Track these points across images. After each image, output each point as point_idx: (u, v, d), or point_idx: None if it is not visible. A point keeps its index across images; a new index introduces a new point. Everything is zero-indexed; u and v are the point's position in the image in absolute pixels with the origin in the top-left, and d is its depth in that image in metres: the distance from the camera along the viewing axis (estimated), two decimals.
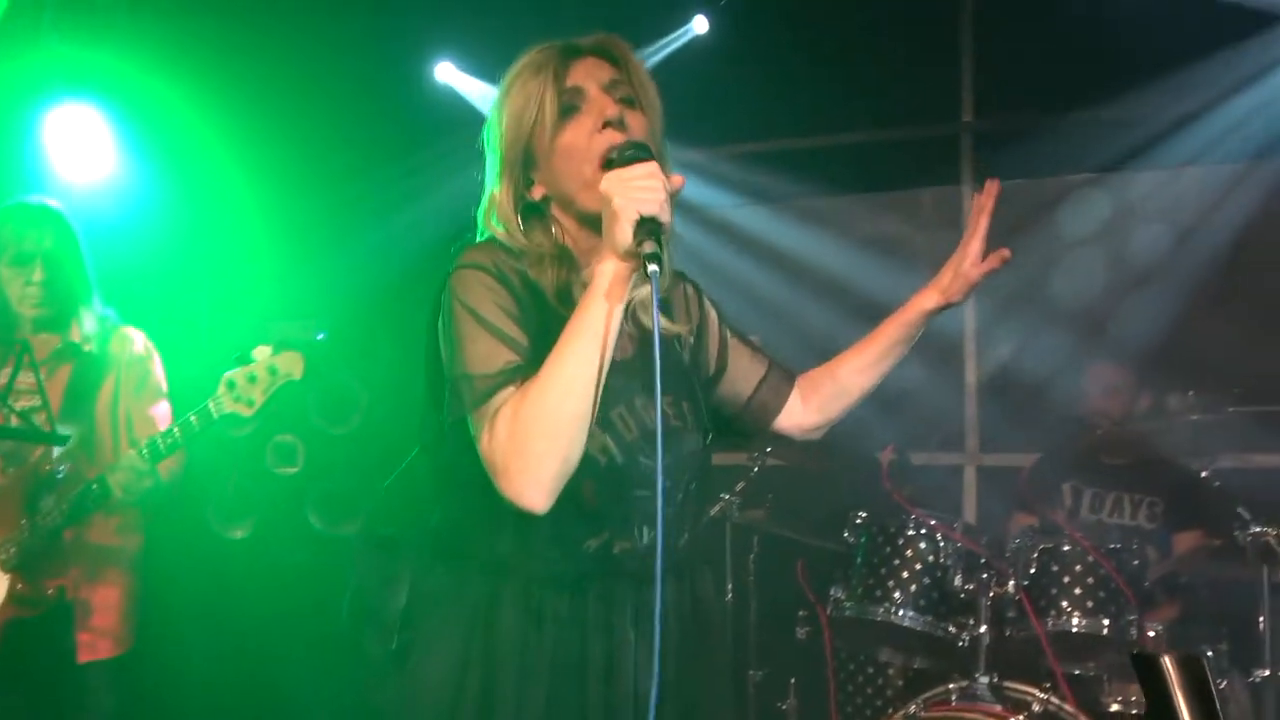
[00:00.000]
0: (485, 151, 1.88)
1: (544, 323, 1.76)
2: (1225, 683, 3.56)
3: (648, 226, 1.62)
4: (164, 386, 3.35)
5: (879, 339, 2.03)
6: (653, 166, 1.66)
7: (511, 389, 1.68)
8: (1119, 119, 4.45)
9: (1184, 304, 4.07)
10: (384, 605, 3.89)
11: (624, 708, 1.79)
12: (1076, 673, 3.48)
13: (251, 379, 3.00)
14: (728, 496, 3.94)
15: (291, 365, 3.07)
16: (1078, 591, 3.38)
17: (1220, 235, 4.11)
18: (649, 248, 1.60)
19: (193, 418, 3.01)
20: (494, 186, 1.86)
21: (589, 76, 1.82)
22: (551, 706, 1.78)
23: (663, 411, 1.65)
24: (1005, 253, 1.98)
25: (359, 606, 4.01)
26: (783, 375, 2.09)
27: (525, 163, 1.83)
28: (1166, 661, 0.99)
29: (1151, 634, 3.42)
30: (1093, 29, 4.53)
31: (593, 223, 1.75)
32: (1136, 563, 3.46)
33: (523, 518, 1.68)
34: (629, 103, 1.81)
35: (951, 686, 3.39)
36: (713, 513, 3.88)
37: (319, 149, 5.11)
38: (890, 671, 3.99)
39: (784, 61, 5.12)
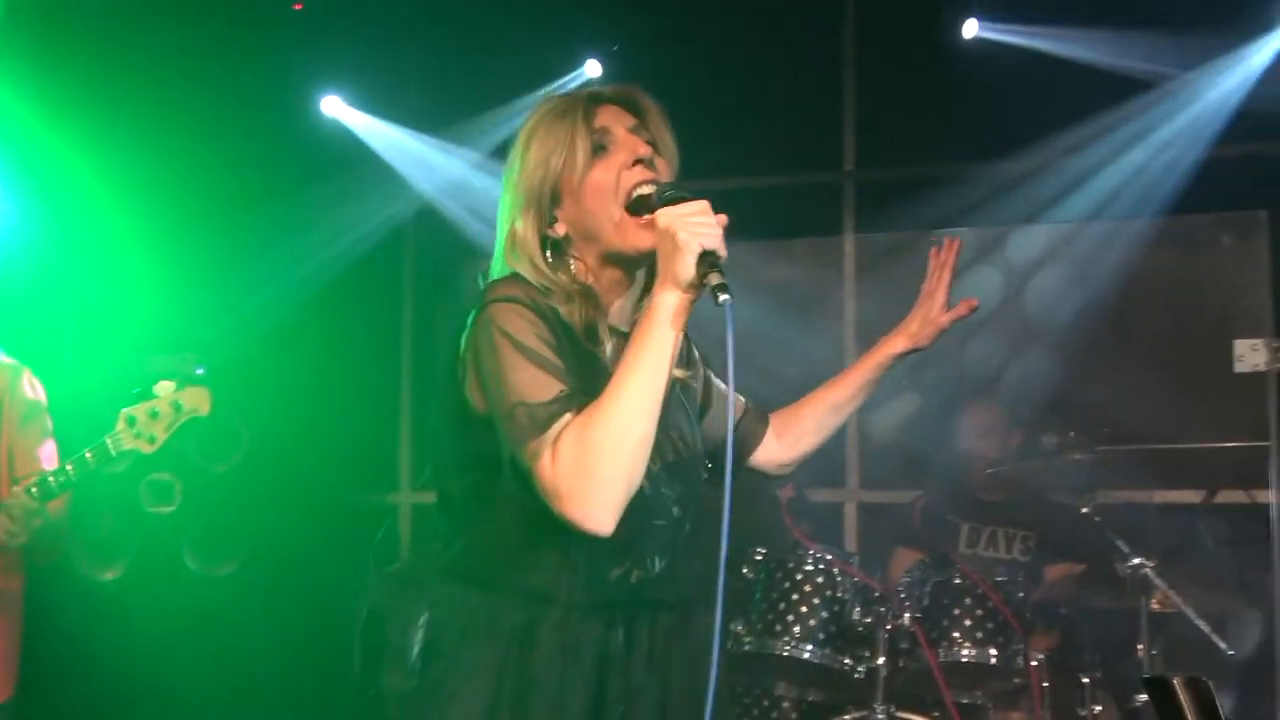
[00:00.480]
0: (504, 191, 1.90)
1: (576, 358, 1.79)
2: (1100, 709, 3.73)
3: (710, 259, 1.68)
4: (49, 425, 3.22)
5: (849, 380, 2.16)
6: (705, 204, 1.72)
7: (569, 416, 1.70)
8: (1000, 174, 4.66)
9: (1063, 352, 4.29)
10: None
11: None
12: (965, 701, 3.61)
13: (154, 415, 2.93)
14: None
15: (198, 401, 3.01)
16: (968, 623, 3.53)
17: (1096, 288, 4.34)
18: (715, 279, 1.66)
19: (88, 454, 2.91)
20: (516, 223, 1.87)
21: (615, 120, 1.88)
22: None
23: (675, 443, 1.83)
24: (974, 302, 2.14)
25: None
26: (758, 414, 2.19)
27: (551, 200, 1.87)
28: (1177, 684, 1.06)
29: (1034, 662, 3.56)
30: (974, 86, 4.77)
31: (614, 260, 1.84)
32: (1021, 595, 3.63)
33: (557, 548, 1.75)
34: (653, 147, 1.89)
35: (848, 718, 3.49)
36: None
37: (201, 181, 5.01)
38: (785, 704, 4.06)
39: (674, 106, 5.23)
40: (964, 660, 3.50)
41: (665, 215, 1.72)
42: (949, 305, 2.14)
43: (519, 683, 1.79)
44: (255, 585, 4.81)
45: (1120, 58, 4.50)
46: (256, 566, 4.82)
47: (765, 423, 2.18)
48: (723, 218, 1.74)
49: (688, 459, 1.89)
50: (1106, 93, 4.53)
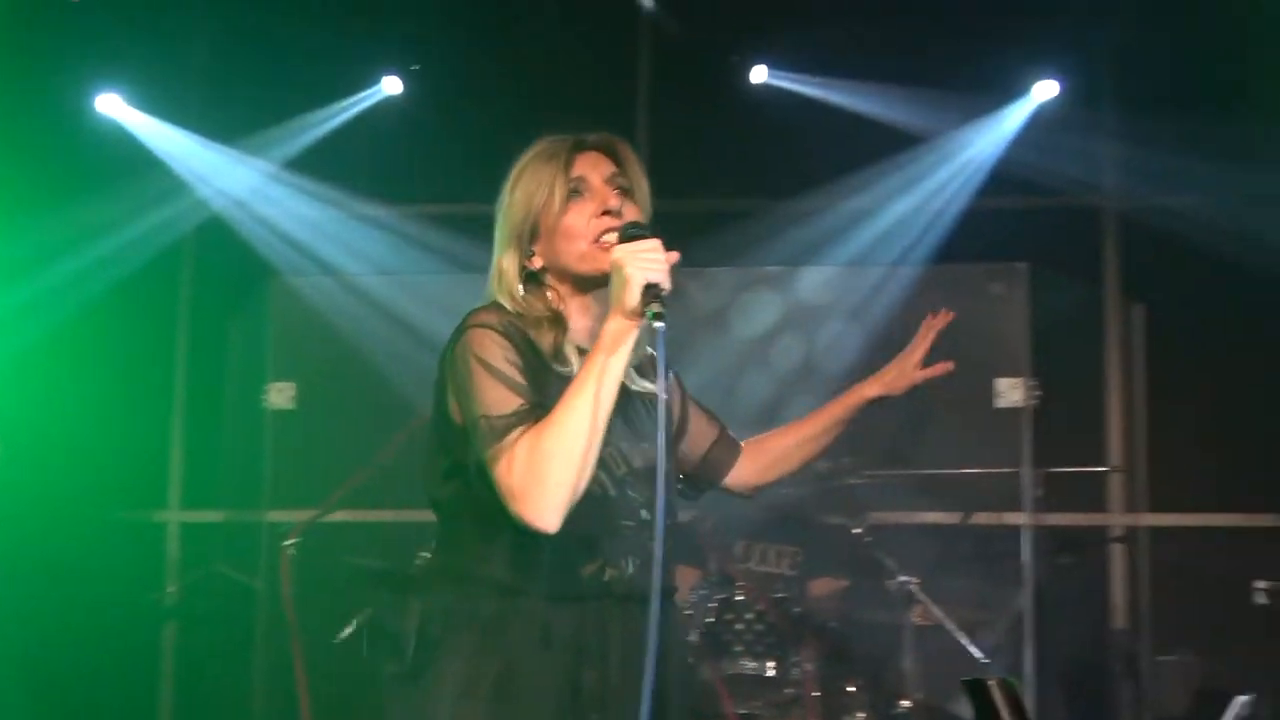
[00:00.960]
0: (496, 226, 2.13)
1: (543, 377, 2.00)
2: (864, 715, 3.98)
3: (653, 291, 1.87)
4: None
5: (821, 418, 2.37)
6: (657, 243, 1.92)
7: (525, 427, 1.90)
8: (783, 214, 4.92)
9: (841, 386, 4.52)
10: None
11: None
12: (743, 712, 3.78)
13: None
14: (426, 554, 3.97)
15: None
16: (749, 637, 3.71)
17: (872, 327, 4.63)
18: (656, 308, 1.86)
19: None
20: (501, 257, 2.10)
21: (593, 168, 2.09)
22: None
23: (644, 453, 2.04)
24: (949, 366, 2.39)
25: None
26: (730, 441, 2.35)
27: (531, 237, 2.09)
28: (991, 685, 1.20)
29: (808, 670, 3.78)
30: (762, 129, 5.03)
31: (581, 286, 2.08)
32: (797, 610, 3.85)
33: (524, 545, 1.93)
34: (625, 192, 2.09)
35: None
36: (410, 570, 3.91)
37: None
38: None
39: (470, 129, 5.29)
40: (746, 673, 3.68)
41: (619, 250, 1.92)
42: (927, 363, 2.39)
43: (497, 663, 1.95)
44: (6, 599, 4.57)
45: (894, 112, 4.87)
46: (11, 580, 4.56)
47: (736, 450, 2.35)
48: (674, 255, 1.93)
49: (655, 469, 2.00)
50: (882, 144, 4.88)
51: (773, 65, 5.18)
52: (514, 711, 1.93)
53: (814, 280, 4.79)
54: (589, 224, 2.03)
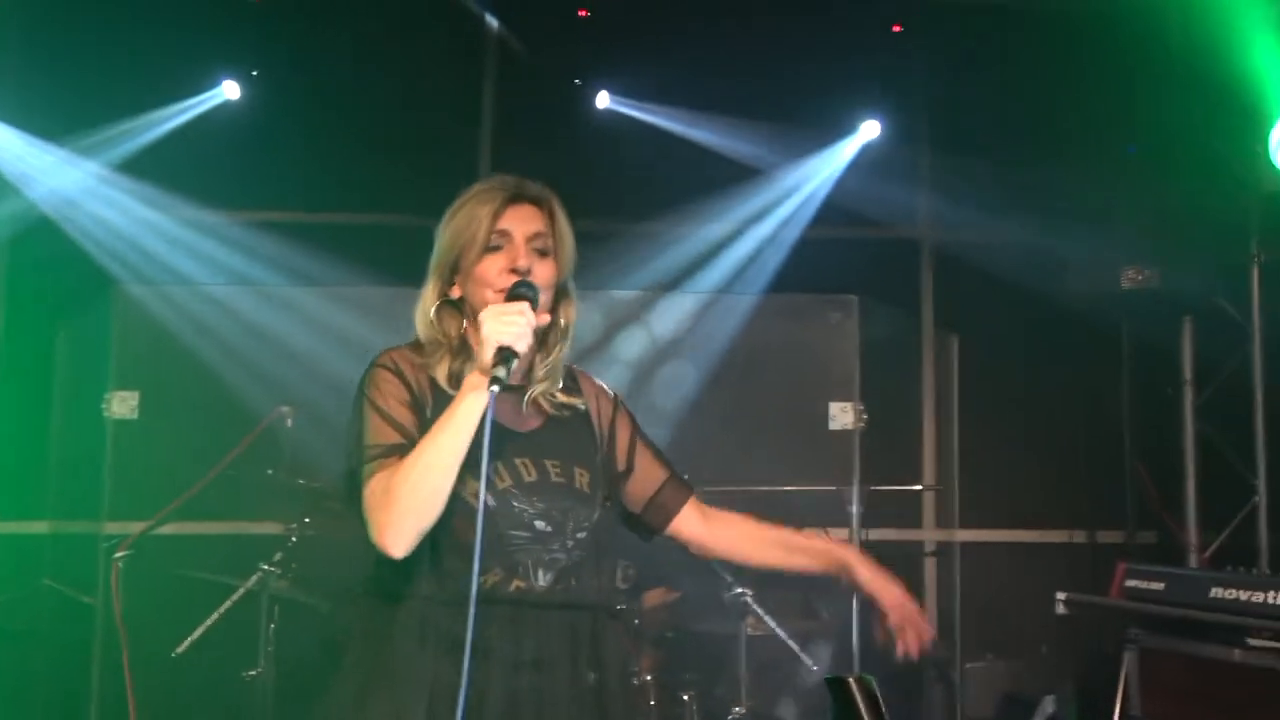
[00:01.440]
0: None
1: (437, 406, 2.15)
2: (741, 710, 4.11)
3: (502, 353, 2.02)
4: None
5: (801, 558, 2.40)
6: (524, 306, 2.08)
7: (392, 459, 2.08)
8: (622, 237, 5.05)
9: (684, 406, 4.67)
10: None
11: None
12: None
13: None
14: (266, 566, 3.94)
15: None
16: None
17: (715, 351, 4.78)
18: (500, 372, 2.00)
19: None
20: (428, 279, 2.25)
21: (519, 223, 2.21)
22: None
23: (547, 470, 2.18)
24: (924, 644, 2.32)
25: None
26: (680, 484, 2.40)
27: (453, 270, 2.23)
28: (851, 682, 1.32)
29: (646, 680, 3.91)
30: (604, 152, 5.17)
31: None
32: (636, 621, 3.97)
33: (411, 561, 2.05)
34: (543, 253, 2.21)
35: None
36: (250, 584, 3.88)
37: None
38: None
39: (311, 135, 5.26)
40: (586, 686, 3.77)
41: (485, 311, 2.08)
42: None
43: (384, 671, 2.11)
44: None
45: (730, 142, 5.08)
46: None
47: (688, 493, 2.40)
48: (544, 318, 2.16)
49: (559, 485, 2.19)
50: (718, 172, 5.08)
51: (615, 91, 5.33)
52: (391, 705, 2.06)
53: (649, 304, 4.92)
54: (498, 277, 2.17)
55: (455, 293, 2.23)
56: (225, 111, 5.19)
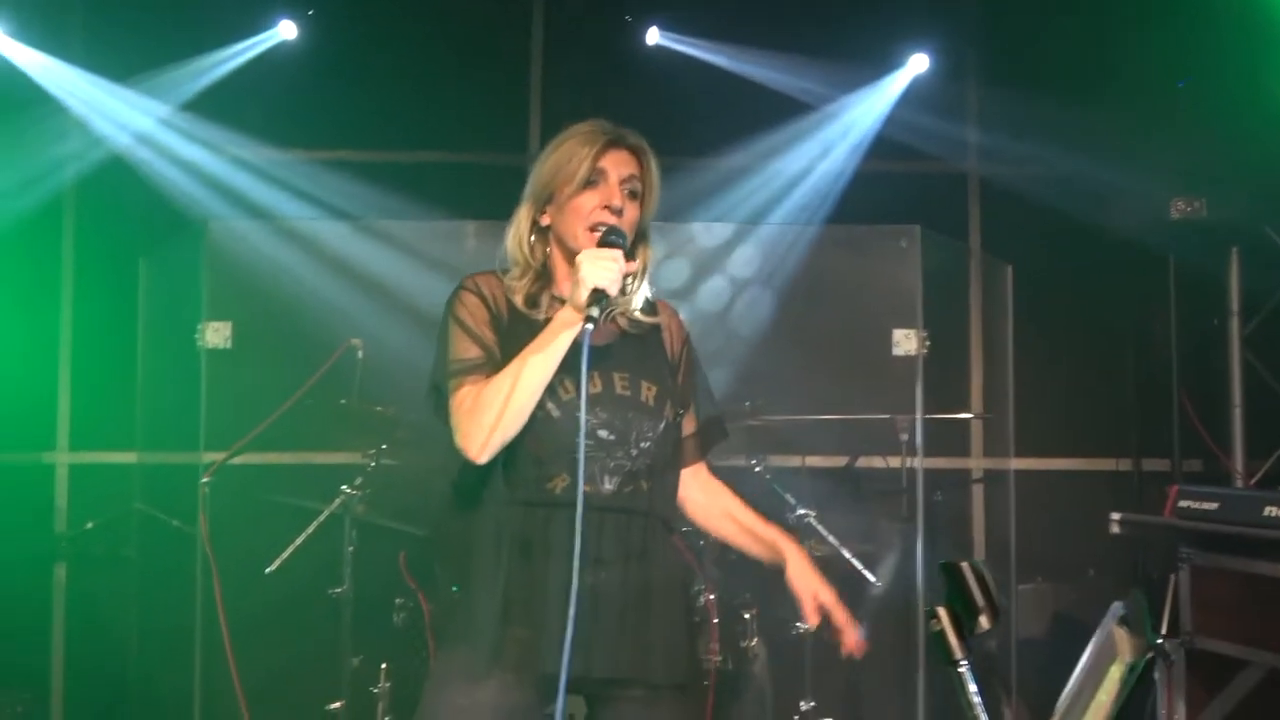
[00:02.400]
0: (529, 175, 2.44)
1: (515, 326, 2.37)
2: (756, 640, 4.28)
3: (596, 295, 2.21)
4: None
5: (756, 545, 2.66)
6: (617, 253, 2.26)
7: (477, 375, 2.30)
8: (684, 171, 5.12)
9: (751, 337, 4.77)
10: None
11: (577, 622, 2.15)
12: None
13: None
14: (347, 490, 4.11)
15: None
16: None
17: (780, 282, 4.85)
18: (593, 312, 2.19)
19: None
20: (522, 204, 2.45)
21: (615, 166, 2.39)
22: (526, 606, 2.29)
23: (613, 381, 2.36)
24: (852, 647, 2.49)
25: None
26: (699, 445, 2.60)
27: (547, 199, 2.42)
28: (965, 566, 1.45)
29: (709, 599, 4.06)
30: (655, 89, 5.22)
31: (570, 256, 2.39)
32: (702, 542, 4.11)
33: (488, 468, 2.28)
34: (634, 195, 2.40)
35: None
36: (334, 507, 4.06)
37: None
38: None
39: (365, 75, 5.33)
40: None
41: (583, 253, 2.26)
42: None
43: (468, 565, 2.35)
44: None
45: (781, 77, 5.13)
46: None
47: (698, 458, 2.60)
48: (633, 265, 2.37)
49: (622, 397, 2.36)
50: (771, 108, 5.14)
51: (665, 27, 5.36)
52: (474, 599, 2.31)
53: (718, 236, 4.99)
54: (591, 212, 2.35)
55: (545, 220, 2.42)
56: (283, 51, 5.26)
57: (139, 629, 4.55)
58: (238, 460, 4.06)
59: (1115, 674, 1.83)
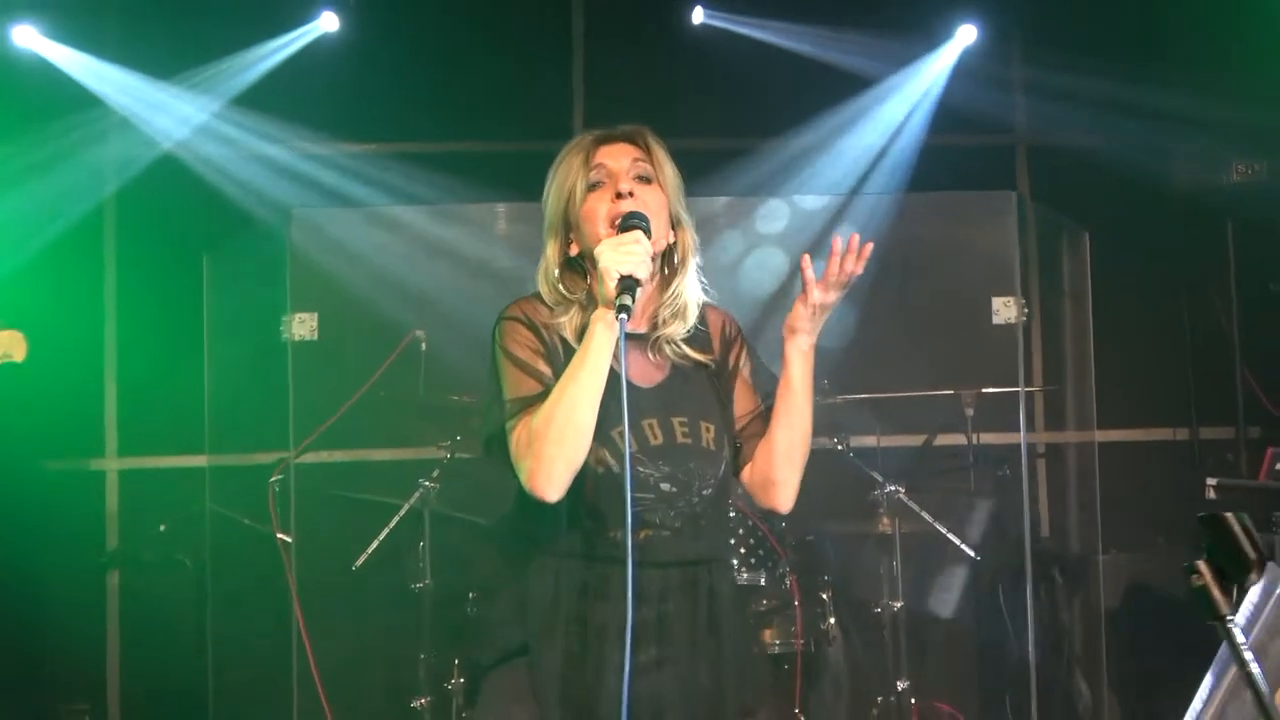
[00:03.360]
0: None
1: (566, 358, 2.19)
2: (834, 620, 4.22)
3: (625, 283, 2.04)
4: None
5: (779, 395, 2.32)
6: (637, 234, 2.10)
7: (534, 409, 2.12)
8: (731, 149, 5.08)
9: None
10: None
11: (635, 670, 2.05)
12: None
13: None
14: (426, 483, 4.06)
15: (12, 345, 2.80)
16: (743, 551, 3.92)
17: (882, 252, 4.75)
18: (624, 300, 2.03)
19: None
20: (546, 243, 2.29)
21: (614, 157, 2.25)
22: (583, 660, 2.19)
23: (674, 428, 2.21)
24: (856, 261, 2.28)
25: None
26: (753, 434, 2.36)
27: (566, 226, 2.26)
28: (1229, 516, 1.39)
29: (792, 580, 4.02)
30: (701, 67, 5.16)
31: None
32: (783, 524, 4.07)
33: (554, 513, 2.15)
34: (645, 179, 2.24)
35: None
36: (413, 501, 4.00)
37: None
38: None
39: (407, 66, 5.26)
40: (742, 583, 3.89)
41: (600, 245, 2.11)
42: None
43: (521, 601, 2.24)
44: None
45: (830, 53, 5.06)
46: None
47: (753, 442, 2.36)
48: (659, 245, 2.19)
49: (685, 447, 2.22)
50: (821, 83, 5.07)
51: (709, 5, 5.27)
52: (533, 642, 2.21)
53: (813, 208, 4.90)
54: (605, 212, 2.19)
55: (574, 249, 2.26)
56: (326, 43, 5.17)
57: (213, 632, 4.46)
58: (310, 459, 4.00)
59: None
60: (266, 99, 5.05)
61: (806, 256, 2.25)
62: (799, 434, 2.29)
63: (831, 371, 4.17)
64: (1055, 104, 5.21)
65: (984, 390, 4.67)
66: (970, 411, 4.67)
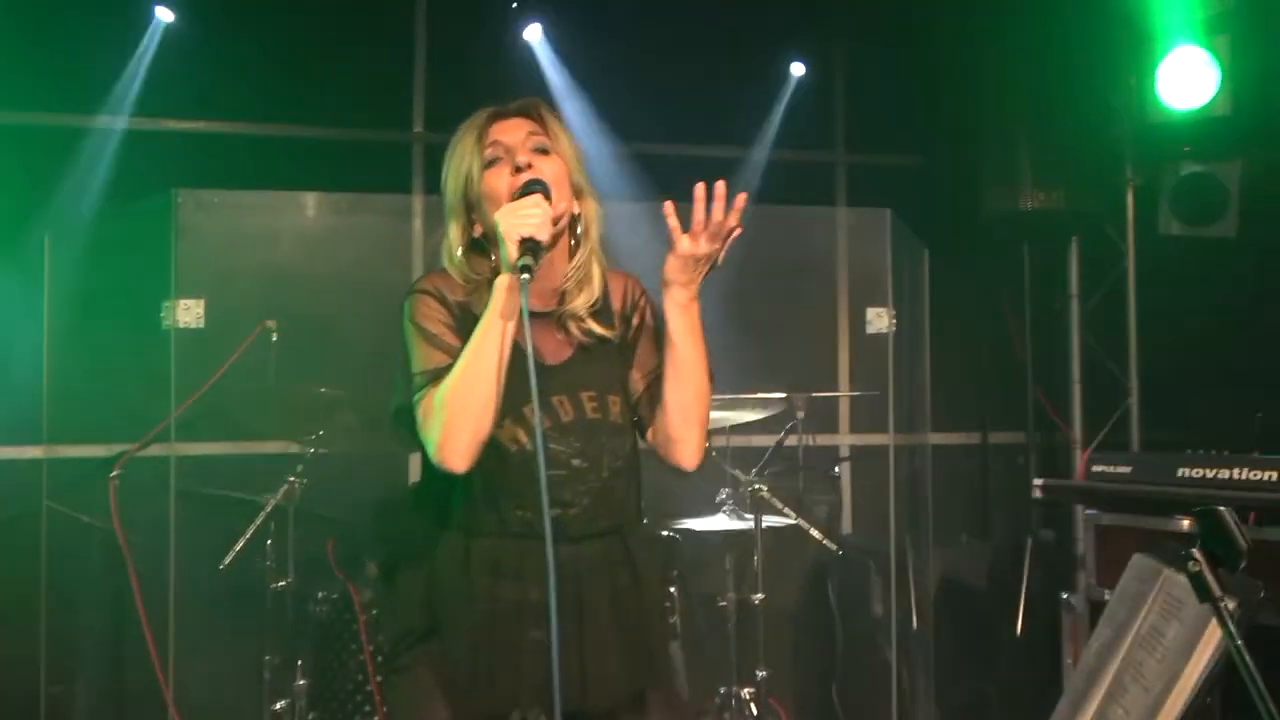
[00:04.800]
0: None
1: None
2: (675, 617, 4.33)
3: (526, 244, 2.04)
4: None
5: (665, 353, 2.28)
6: (537, 198, 2.10)
7: (442, 381, 2.10)
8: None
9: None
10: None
11: (547, 647, 2.00)
12: None
13: None
14: (291, 479, 3.93)
15: None
16: None
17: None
18: (526, 260, 2.03)
19: None
20: (447, 225, 2.26)
21: (508, 132, 2.23)
22: (495, 639, 2.17)
23: (584, 404, 2.21)
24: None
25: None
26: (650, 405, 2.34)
27: (467, 207, 2.24)
28: (1223, 511, 1.57)
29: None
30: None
31: None
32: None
33: (463, 489, 2.15)
34: (542, 151, 2.23)
35: None
36: (278, 498, 3.87)
37: None
38: None
39: (255, 50, 5.05)
40: None
41: (499, 212, 2.10)
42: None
43: (427, 585, 2.23)
44: None
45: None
46: None
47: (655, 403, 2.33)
48: (562, 207, 2.18)
49: (594, 422, 2.22)
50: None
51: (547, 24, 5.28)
52: (440, 622, 2.20)
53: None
54: (505, 187, 2.17)
55: (478, 230, 2.24)
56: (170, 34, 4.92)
57: (45, 634, 4.16)
58: (155, 451, 3.81)
59: (1214, 627, 1.64)
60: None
61: (669, 204, 2.16)
62: (691, 390, 2.25)
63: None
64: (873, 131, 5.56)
65: (813, 395, 4.90)
66: (800, 414, 4.89)
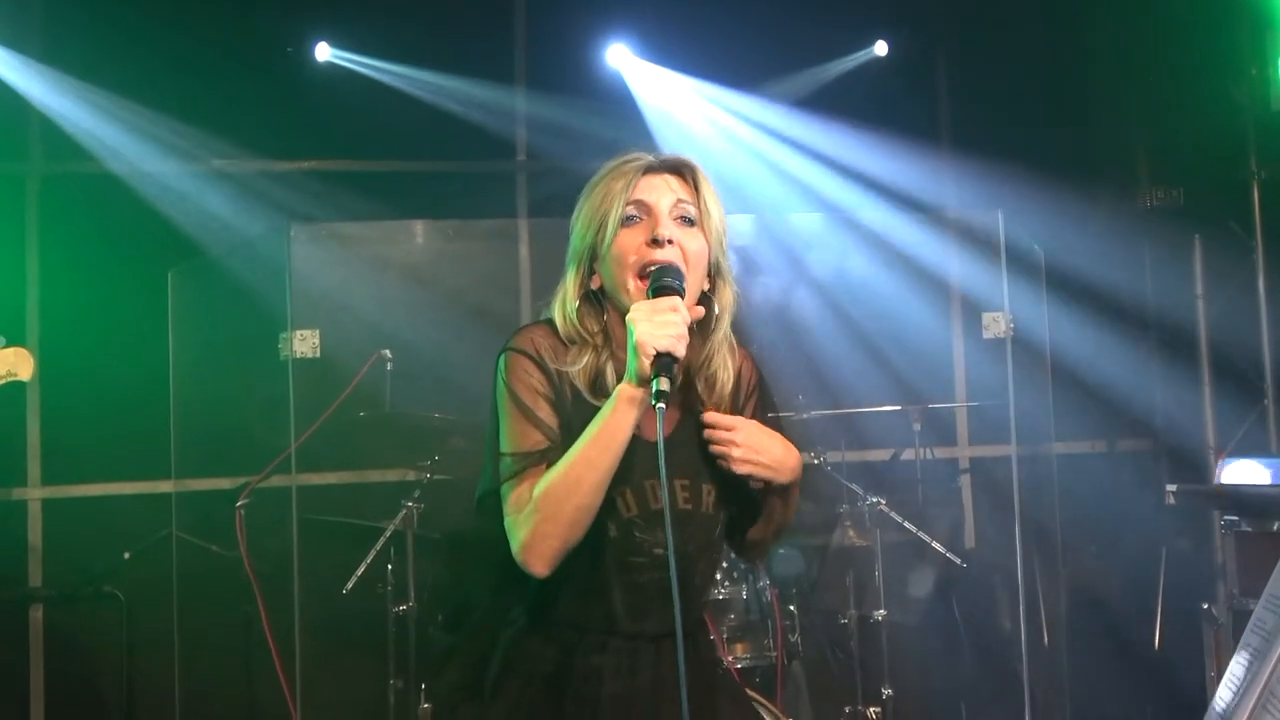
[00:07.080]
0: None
1: (575, 407, 1.98)
2: (800, 634, 4.29)
3: (661, 361, 1.81)
4: None
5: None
6: (676, 301, 1.86)
7: (538, 468, 1.92)
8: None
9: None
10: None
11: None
12: (722, 630, 4.04)
13: None
14: (408, 504, 3.99)
15: (18, 364, 2.68)
16: (725, 565, 3.97)
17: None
18: (661, 385, 1.80)
19: None
20: (567, 270, 2.05)
21: (657, 192, 2.00)
22: None
23: (675, 493, 1.99)
24: None
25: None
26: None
27: (591, 256, 2.02)
28: None
29: (772, 593, 4.07)
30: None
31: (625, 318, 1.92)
32: None
33: (547, 580, 1.91)
34: (688, 221, 2.00)
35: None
36: (396, 523, 3.93)
37: None
38: None
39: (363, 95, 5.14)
40: (719, 598, 3.92)
41: (635, 309, 1.87)
42: None
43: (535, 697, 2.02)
44: None
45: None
46: None
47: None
48: (698, 312, 1.95)
49: (685, 512, 2.01)
50: None
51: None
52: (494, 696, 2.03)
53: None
54: (636, 253, 1.97)
55: (595, 283, 2.03)
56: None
57: (182, 657, 4.29)
58: (277, 481, 3.90)
59: None
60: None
61: (709, 415, 2.03)
62: (786, 512, 2.13)
63: (805, 387, 4.27)
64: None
65: (929, 406, 4.80)
66: (917, 427, 4.79)
